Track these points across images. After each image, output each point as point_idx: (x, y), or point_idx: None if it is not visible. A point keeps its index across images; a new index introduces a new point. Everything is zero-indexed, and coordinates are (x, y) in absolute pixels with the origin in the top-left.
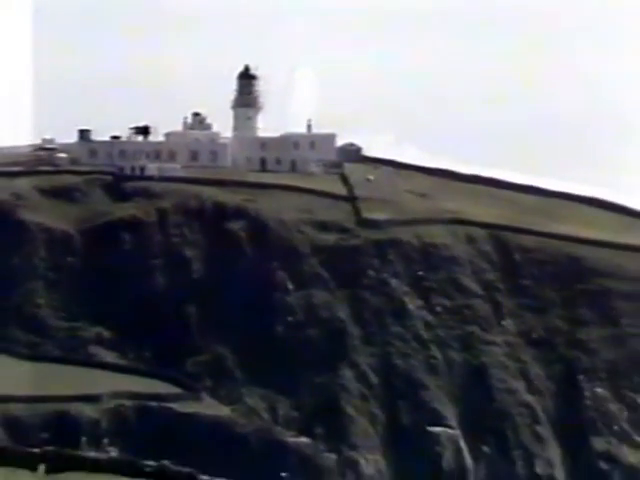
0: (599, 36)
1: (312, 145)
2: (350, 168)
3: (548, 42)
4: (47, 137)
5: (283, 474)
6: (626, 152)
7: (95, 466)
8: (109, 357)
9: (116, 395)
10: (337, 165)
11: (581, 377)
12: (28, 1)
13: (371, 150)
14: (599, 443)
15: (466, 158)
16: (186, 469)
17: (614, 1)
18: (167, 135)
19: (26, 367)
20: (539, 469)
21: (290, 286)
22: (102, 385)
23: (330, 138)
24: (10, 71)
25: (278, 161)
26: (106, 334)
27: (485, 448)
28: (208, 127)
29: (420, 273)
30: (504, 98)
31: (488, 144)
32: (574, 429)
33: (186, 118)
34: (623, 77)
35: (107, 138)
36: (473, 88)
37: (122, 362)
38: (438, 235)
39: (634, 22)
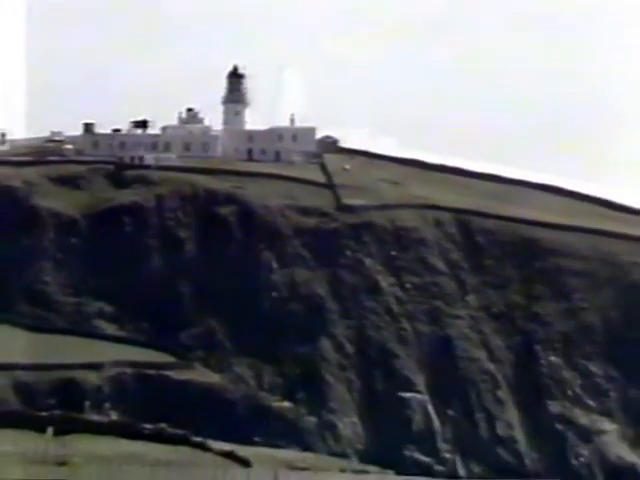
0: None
1: (294, 137)
2: (328, 158)
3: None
4: (55, 130)
5: None
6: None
7: (98, 428)
8: (110, 329)
9: (117, 364)
10: (317, 155)
11: (537, 347)
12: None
13: (348, 142)
14: (554, 406)
15: (437, 149)
16: (180, 431)
17: None
18: (163, 128)
19: (35, 338)
20: (500, 430)
21: (274, 265)
22: (104, 354)
23: (310, 131)
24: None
25: (263, 152)
26: (108, 308)
27: (451, 411)
28: (200, 121)
29: (392, 253)
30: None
31: (459, 137)
32: (531, 394)
33: (180, 113)
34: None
35: (109, 131)
36: (450, 85)
37: (122, 334)
38: (408, 219)
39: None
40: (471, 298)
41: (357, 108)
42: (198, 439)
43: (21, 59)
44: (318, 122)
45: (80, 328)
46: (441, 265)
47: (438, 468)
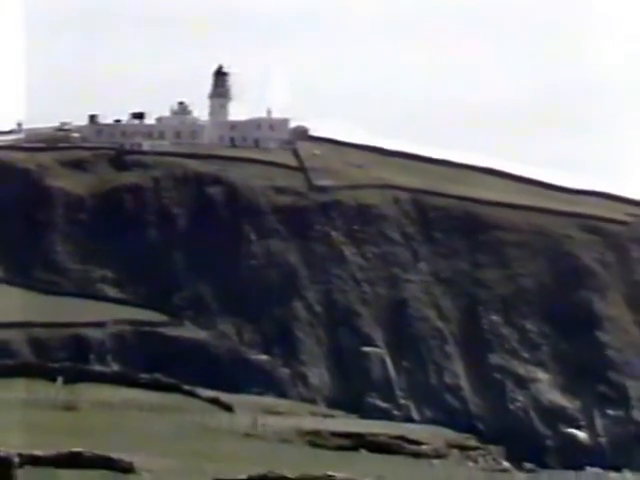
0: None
1: (271, 127)
2: (300, 145)
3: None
4: (64, 121)
5: None
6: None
7: (102, 378)
8: (112, 292)
9: (118, 322)
10: (290, 142)
11: (480, 308)
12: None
13: (324, 132)
14: (494, 358)
15: (398, 136)
16: (172, 380)
17: None
18: (158, 119)
19: (47, 300)
20: (447, 379)
21: (253, 237)
22: (107, 314)
23: (285, 122)
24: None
25: (244, 139)
26: (110, 274)
27: (405, 363)
28: (190, 113)
29: (355, 227)
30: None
31: (418, 126)
32: (475, 348)
33: (173, 106)
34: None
35: (111, 121)
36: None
37: (122, 296)
38: (370, 198)
39: None
40: (423, 265)
41: (332, 101)
42: (188, 387)
43: (22, 57)
44: (299, 114)
45: (86, 291)
46: (398, 237)
47: (395, 412)
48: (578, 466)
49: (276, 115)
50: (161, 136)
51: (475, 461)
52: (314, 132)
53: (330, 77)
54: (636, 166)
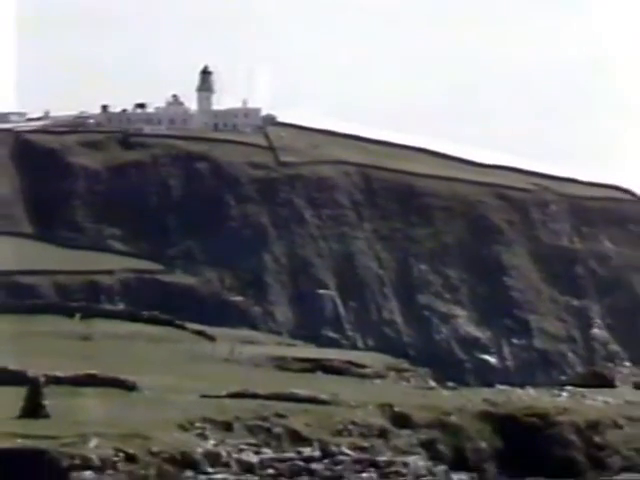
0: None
1: (246, 115)
2: (270, 129)
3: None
4: (82, 110)
5: None
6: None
7: (111, 314)
8: (120, 246)
9: (124, 270)
10: (261, 127)
11: (411, 259)
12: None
13: (294, 119)
14: (422, 299)
15: (353, 121)
16: (167, 316)
17: None
18: (156, 108)
19: (69, 253)
20: (385, 315)
21: (232, 203)
22: (115, 264)
23: (257, 110)
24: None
25: (225, 125)
26: (118, 232)
27: (352, 303)
28: (181, 104)
29: (314, 195)
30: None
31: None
32: (407, 291)
33: (168, 98)
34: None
35: (119, 110)
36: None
37: (128, 249)
38: (325, 171)
39: None
40: (367, 225)
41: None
42: (179, 322)
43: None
44: (276, 104)
45: (99, 245)
46: (347, 203)
47: (344, 342)
48: (490, 384)
49: (259, 105)
50: (159, 122)
51: (408, 380)
52: (283, 119)
53: (308, 72)
54: (536, 146)
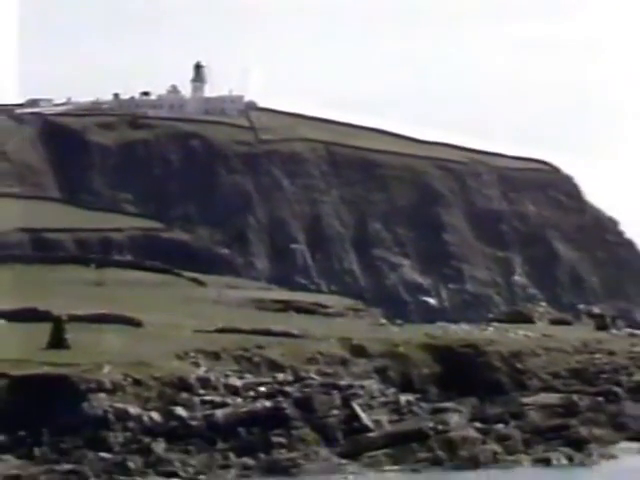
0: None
1: (232, 101)
2: (252, 113)
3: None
4: (98, 97)
5: None
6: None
7: (121, 264)
8: (129, 209)
9: (131, 228)
10: (244, 111)
11: (368, 219)
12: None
13: (278, 106)
14: (376, 252)
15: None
16: (167, 266)
17: None
18: (158, 96)
19: (88, 214)
20: (345, 265)
21: (222, 173)
22: (125, 223)
23: (240, 97)
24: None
25: (214, 109)
26: (129, 197)
27: (318, 255)
28: (179, 92)
29: (289, 167)
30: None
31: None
32: (363, 245)
33: (168, 87)
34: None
35: (128, 97)
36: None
37: (136, 211)
38: (298, 147)
39: None
40: (333, 192)
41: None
42: (176, 270)
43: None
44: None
45: (112, 208)
46: (316, 173)
47: (312, 287)
48: (430, 321)
49: (243, 93)
50: (160, 107)
51: (363, 318)
52: (264, 105)
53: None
54: (471, 126)
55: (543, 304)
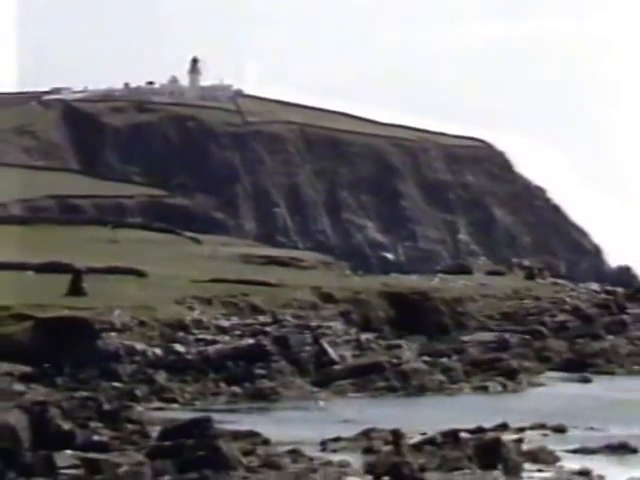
0: None
1: (222, 89)
2: (239, 99)
3: None
4: (110, 85)
5: None
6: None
7: (132, 225)
8: (138, 179)
9: (140, 195)
10: (233, 98)
11: (337, 188)
12: None
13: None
14: (344, 215)
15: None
16: (170, 227)
17: None
18: (161, 85)
19: (104, 183)
20: (319, 226)
21: (215, 150)
22: (135, 191)
23: (229, 86)
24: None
25: (208, 96)
26: (137, 170)
27: (296, 218)
28: (178, 81)
29: (270, 145)
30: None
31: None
32: (334, 209)
33: (169, 78)
34: None
35: (135, 86)
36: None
37: (143, 181)
38: (277, 128)
39: None
40: (307, 165)
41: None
42: (178, 230)
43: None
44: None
45: (123, 178)
46: (293, 150)
47: (290, 244)
48: (387, 272)
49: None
50: (162, 94)
51: (332, 270)
52: (255, 93)
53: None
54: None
55: (482, 258)
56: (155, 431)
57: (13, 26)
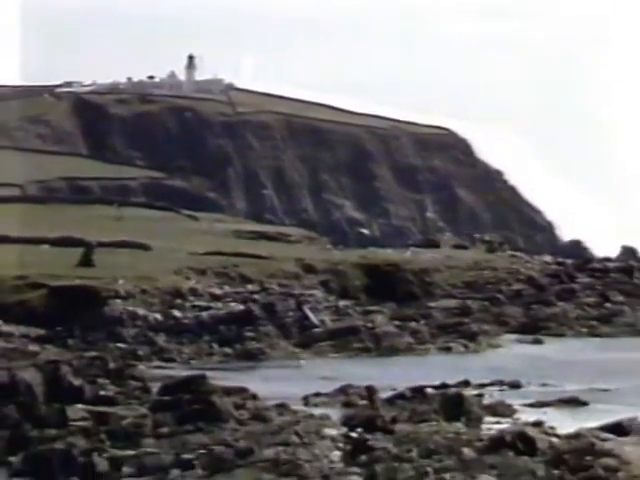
0: None
1: (216, 83)
2: (230, 92)
3: None
4: (116, 79)
5: None
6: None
7: (136, 204)
8: (141, 163)
9: (143, 177)
10: (225, 91)
11: (319, 171)
12: None
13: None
14: (325, 196)
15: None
16: (167, 204)
17: None
18: (161, 80)
19: (110, 167)
20: (302, 205)
21: (209, 138)
22: (138, 173)
23: (221, 80)
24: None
25: (202, 90)
26: (139, 154)
27: (283, 197)
28: (176, 76)
29: (258, 132)
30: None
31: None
32: (316, 190)
33: (168, 73)
34: None
35: (137, 80)
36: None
37: (145, 164)
38: (265, 118)
39: None
40: (290, 151)
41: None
42: (177, 209)
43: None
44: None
45: (127, 162)
46: (278, 137)
47: (277, 221)
48: (364, 246)
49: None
50: (162, 87)
51: (314, 244)
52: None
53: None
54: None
55: (448, 234)
56: (156, 387)
57: (19, 29)
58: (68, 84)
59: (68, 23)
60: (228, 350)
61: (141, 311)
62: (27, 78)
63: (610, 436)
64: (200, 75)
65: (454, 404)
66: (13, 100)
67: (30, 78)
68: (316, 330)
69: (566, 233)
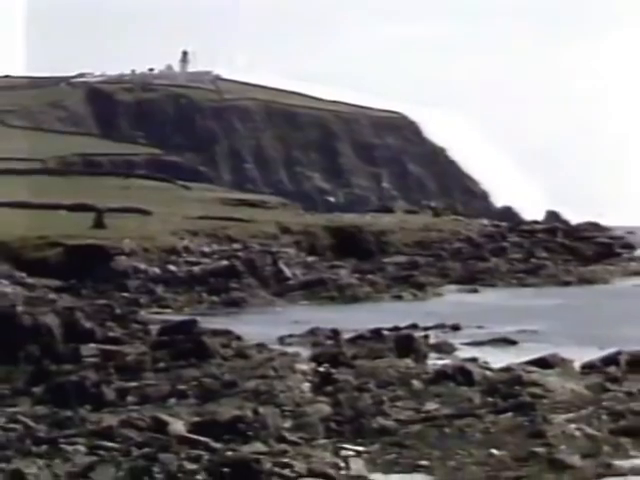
0: None
1: (206, 74)
2: (218, 82)
3: None
4: (122, 71)
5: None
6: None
7: (138, 176)
8: (142, 141)
9: (144, 154)
10: (214, 81)
11: (292, 149)
12: None
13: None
14: (297, 170)
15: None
16: (166, 177)
17: None
18: (159, 71)
19: (117, 144)
20: (279, 178)
21: (199, 120)
22: (140, 150)
23: (210, 72)
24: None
25: (195, 80)
26: (142, 134)
27: (264, 173)
28: (172, 68)
29: (239, 116)
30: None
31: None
32: (289, 165)
33: (166, 65)
34: None
35: (139, 72)
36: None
37: (146, 142)
38: (247, 104)
39: None
40: (268, 132)
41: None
42: (172, 179)
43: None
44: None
45: (132, 141)
46: (259, 120)
47: (257, 190)
48: (331, 211)
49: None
50: (161, 78)
51: (289, 210)
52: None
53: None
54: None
55: (400, 202)
56: (155, 329)
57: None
58: (81, 75)
59: (78, 22)
60: (215, 298)
61: (143, 266)
62: (40, 70)
63: (535, 369)
64: (193, 67)
65: (405, 343)
66: (35, 89)
67: (45, 70)
68: (289, 282)
69: (499, 200)
